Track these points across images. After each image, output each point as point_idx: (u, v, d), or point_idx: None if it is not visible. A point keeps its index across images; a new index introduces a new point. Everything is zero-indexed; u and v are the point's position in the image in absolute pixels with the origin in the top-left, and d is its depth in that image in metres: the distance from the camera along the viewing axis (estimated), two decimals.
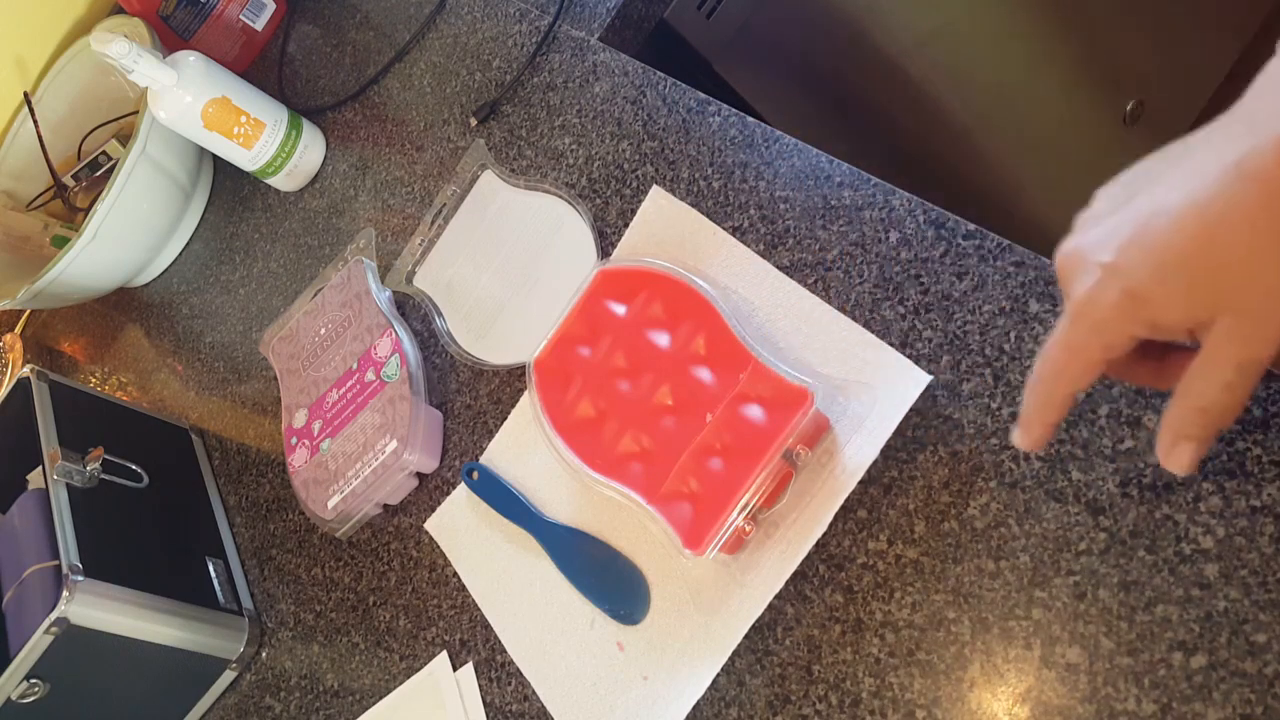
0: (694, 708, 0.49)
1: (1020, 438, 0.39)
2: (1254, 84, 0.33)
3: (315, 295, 0.78)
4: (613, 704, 0.52)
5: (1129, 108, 1.12)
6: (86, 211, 0.92)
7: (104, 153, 1.02)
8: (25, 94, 1.04)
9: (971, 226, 0.51)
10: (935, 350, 0.49)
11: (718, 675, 0.49)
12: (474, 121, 0.76)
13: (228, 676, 0.71)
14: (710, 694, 0.49)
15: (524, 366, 0.63)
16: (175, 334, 0.94)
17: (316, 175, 0.89)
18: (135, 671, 0.67)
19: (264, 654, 0.71)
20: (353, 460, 0.66)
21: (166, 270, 0.99)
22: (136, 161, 0.86)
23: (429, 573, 0.64)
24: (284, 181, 0.88)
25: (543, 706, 0.54)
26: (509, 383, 0.65)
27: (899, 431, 0.48)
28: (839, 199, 0.56)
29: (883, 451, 0.48)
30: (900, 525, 0.47)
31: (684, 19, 0.80)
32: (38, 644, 0.61)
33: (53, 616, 0.60)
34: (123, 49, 0.75)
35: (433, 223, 0.74)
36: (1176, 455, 0.35)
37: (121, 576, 0.65)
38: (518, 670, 0.56)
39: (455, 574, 0.62)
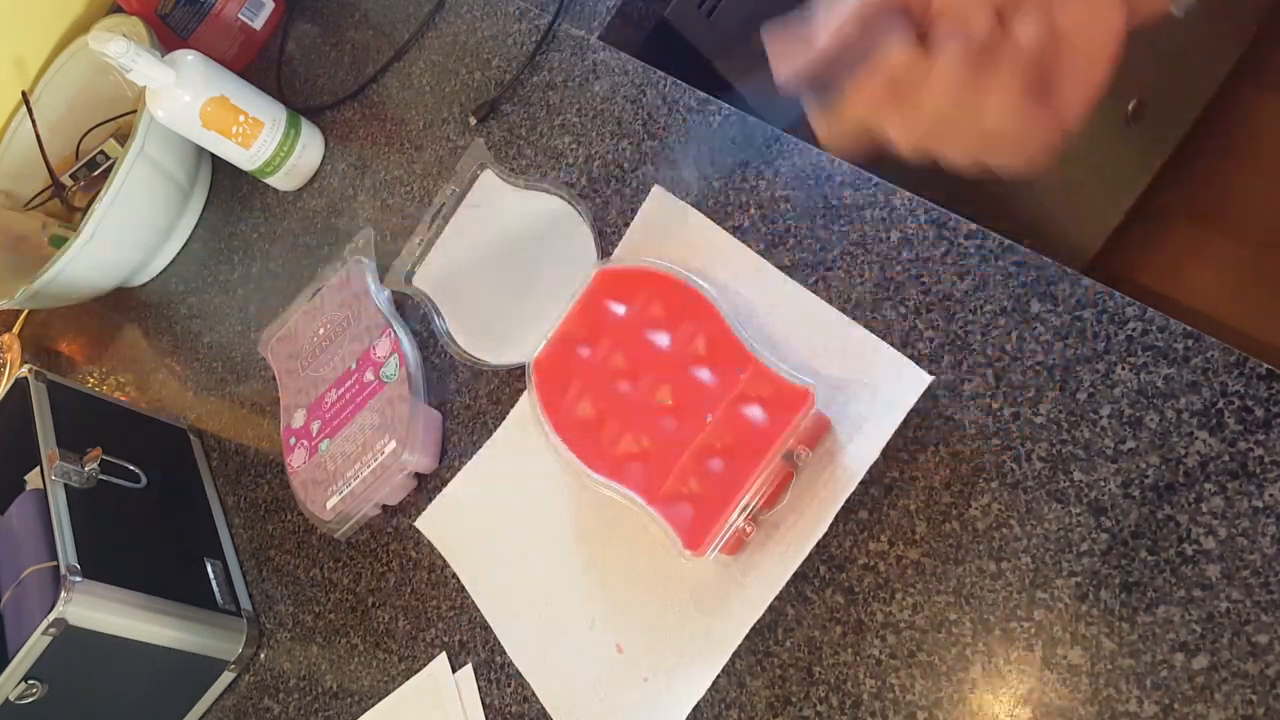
0: (694, 709, 0.49)
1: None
2: None
3: (314, 295, 0.78)
4: (613, 705, 0.52)
5: (1130, 107, 1.12)
6: (84, 211, 0.91)
7: (102, 152, 1.02)
8: (23, 93, 1.04)
9: (973, 226, 0.51)
10: (936, 350, 0.49)
11: (718, 676, 0.49)
12: (473, 121, 0.76)
13: (226, 678, 0.71)
14: (711, 695, 0.49)
15: (523, 367, 0.62)
16: (173, 334, 0.94)
17: (315, 175, 0.89)
18: (133, 673, 0.66)
19: (262, 655, 0.71)
20: (351, 461, 0.66)
21: (165, 270, 0.99)
22: (135, 161, 0.85)
23: (428, 574, 0.63)
24: (282, 181, 0.88)
25: (542, 708, 0.54)
26: (508, 383, 0.65)
27: (900, 432, 0.48)
28: (840, 198, 0.55)
29: (884, 452, 0.48)
30: (901, 526, 0.47)
31: (684, 17, 0.80)
32: (36, 645, 0.61)
33: (51, 617, 0.60)
34: (121, 48, 0.75)
35: (432, 222, 0.74)
36: None
37: (119, 577, 0.65)
38: (517, 671, 0.56)
39: (454, 575, 0.62)
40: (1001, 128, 0.33)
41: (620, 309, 0.58)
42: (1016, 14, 0.31)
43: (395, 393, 0.66)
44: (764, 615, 0.49)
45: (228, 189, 0.98)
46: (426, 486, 0.66)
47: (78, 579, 0.62)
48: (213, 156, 0.98)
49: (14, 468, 0.72)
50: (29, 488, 0.70)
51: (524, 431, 0.62)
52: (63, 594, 0.61)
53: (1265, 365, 0.41)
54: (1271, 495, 0.39)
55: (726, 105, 0.63)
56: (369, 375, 0.69)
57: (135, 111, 0.88)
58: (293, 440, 0.71)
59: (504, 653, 0.57)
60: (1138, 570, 0.41)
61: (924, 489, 0.47)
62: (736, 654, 0.49)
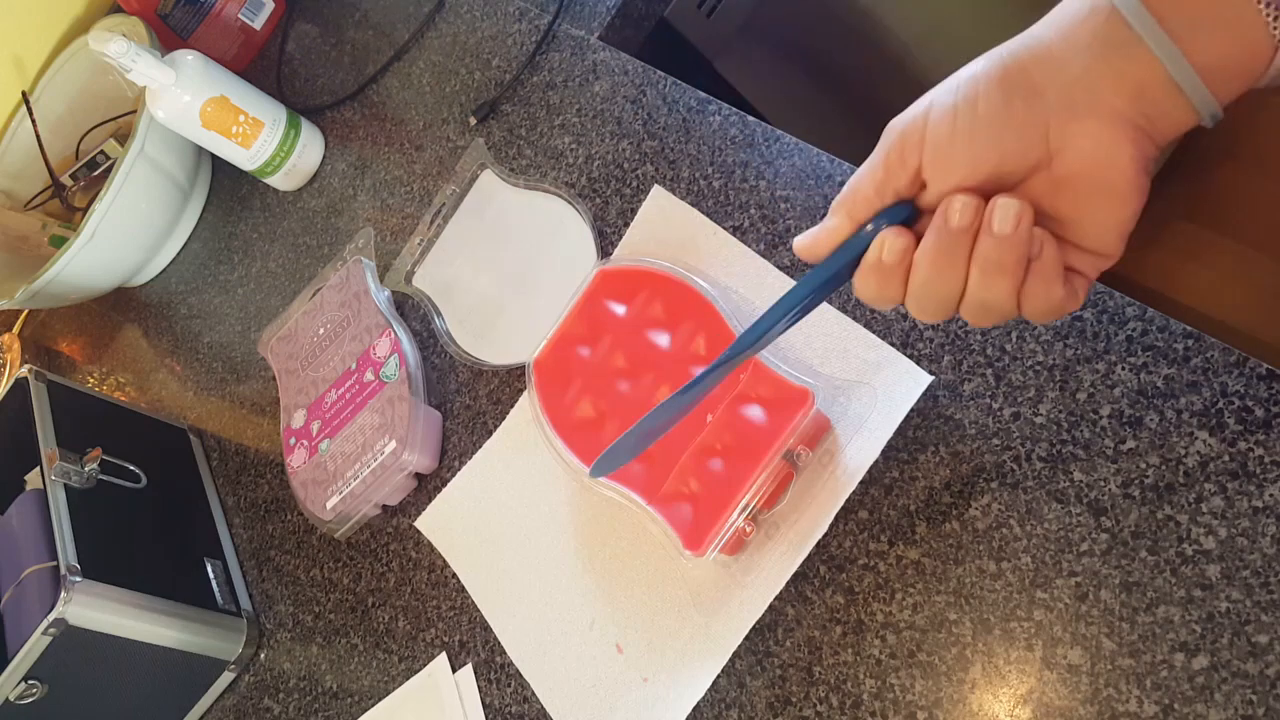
0: (694, 709, 0.49)
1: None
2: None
3: (314, 295, 0.78)
4: (613, 705, 0.52)
5: None
6: (84, 211, 0.91)
7: (102, 152, 1.02)
8: (23, 93, 1.04)
9: None
10: (936, 350, 0.49)
11: (718, 677, 0.49)
12: (473, 121, 0.76)
13: (226, 678, 0.71)
14: (711, 695, 0.49)
15: (523, 366, 0.63)
16: (173, 334, 0.94)
17: (315, 174, 0.89)
18: (133, 673, 0.66)
19: (262, 655, 0.71)
20: (351, 461, 0.66)
21: (165, 270, 0.99)
22: (135, 161, 0.85)
23: (428, 574, 0.63)
24: (282, 181, 0.88)
25: (542, 708, 0.54)
26: (508, 383, 0.65)
27: (900, 432, 0.48)
28: None
29: (884, 452, 0.48)
30: (901, 526, 0.47)
31: (684, 17, 0.80)
32: (36, 645, 0.61)
33: (51, 617, 0.60)
34: (121, 48, 0.75)
35: (432, 222, 0.74)
36: None
37: (119, 577, 0.65)
38: (517, 671, 0.56)
39: (454, 575, 0.62)
40: (982, 305, 0.36)
41: (620, 309, 0.58)
42: (994, 204, 0.34)
43: (395, 393, 0.66)
44: (764, 615, 0.49)
45: (228, 189, 0.98)
46: (426, 486, 0.66)
47: (78, 579, 0.62)
48: (213, 156, 0.98)
49: (14, 468, 0.72)
50: (29, 488, 0.70)
51: (524, 431, 0.62)
52: (63, 594, 0.61)
53: (1265, 365, 0.41)
54: (1271, 495, 0.39)
55: (726, 105, 0.63)
56: (369, 375, 0.69)
57: (135, 111, 0.88)
58: (293, 440, 0.71)
59: (504, 653, 0.57)
60: (1138, 570, 0.41)
61: (924, 489, 0.47)
62: (736, 654, 0.49)
